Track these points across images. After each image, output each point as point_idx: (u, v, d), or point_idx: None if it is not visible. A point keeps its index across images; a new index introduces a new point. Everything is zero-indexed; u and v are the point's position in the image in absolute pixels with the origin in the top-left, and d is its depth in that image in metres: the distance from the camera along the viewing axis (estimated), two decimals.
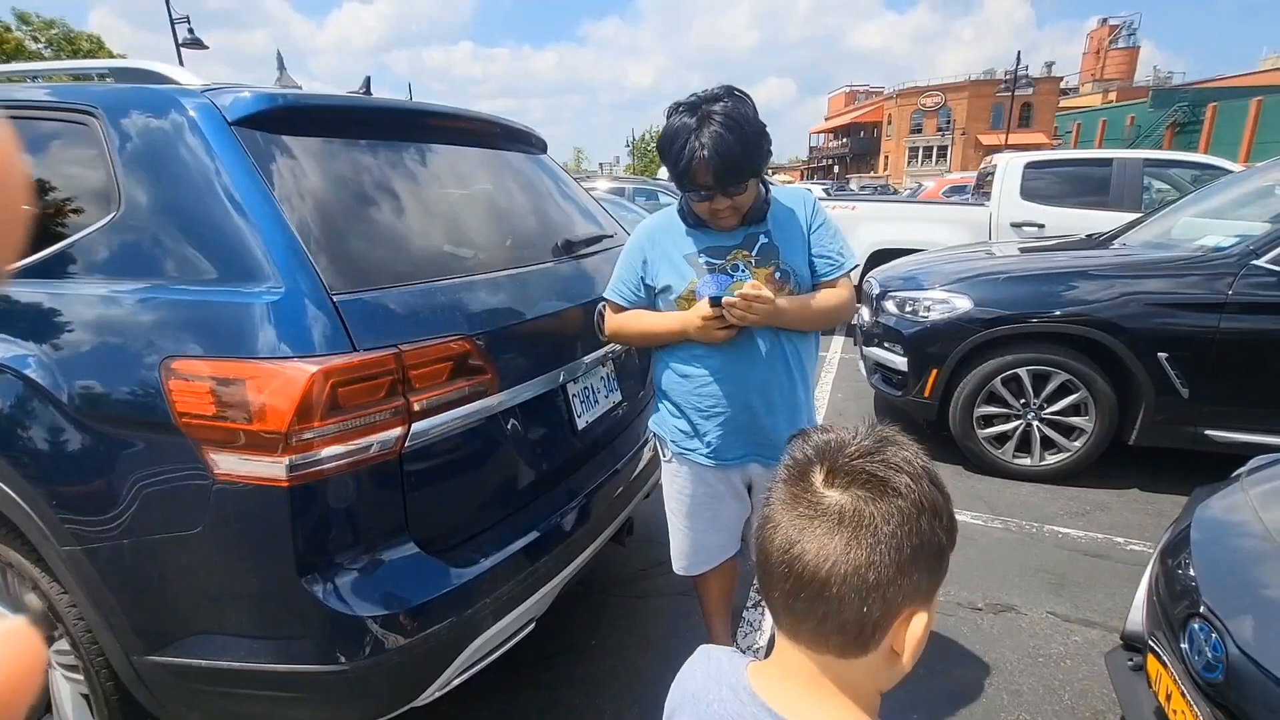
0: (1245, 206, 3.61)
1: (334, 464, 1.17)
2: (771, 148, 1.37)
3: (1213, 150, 23.20)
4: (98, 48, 20.84)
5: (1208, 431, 2.90)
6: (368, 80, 2.02)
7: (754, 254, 1.41)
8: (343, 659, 1.18)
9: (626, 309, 1.55)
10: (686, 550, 1.62)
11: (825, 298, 1.42)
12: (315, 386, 1.13)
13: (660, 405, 1.59)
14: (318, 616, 1.17)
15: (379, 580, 1.23)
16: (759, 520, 0.62)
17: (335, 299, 1.21)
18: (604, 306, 1.63)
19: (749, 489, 1.58)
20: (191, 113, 1.30)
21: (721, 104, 1.29)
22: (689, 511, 1.58)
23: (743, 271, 1.40)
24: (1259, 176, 3.86)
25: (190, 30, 13.54)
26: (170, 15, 13.38)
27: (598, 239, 2.09)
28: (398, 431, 1.24)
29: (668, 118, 1.36)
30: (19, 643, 0.13)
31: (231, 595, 1.21)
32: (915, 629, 0.56)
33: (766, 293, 1.30)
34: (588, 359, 1.78)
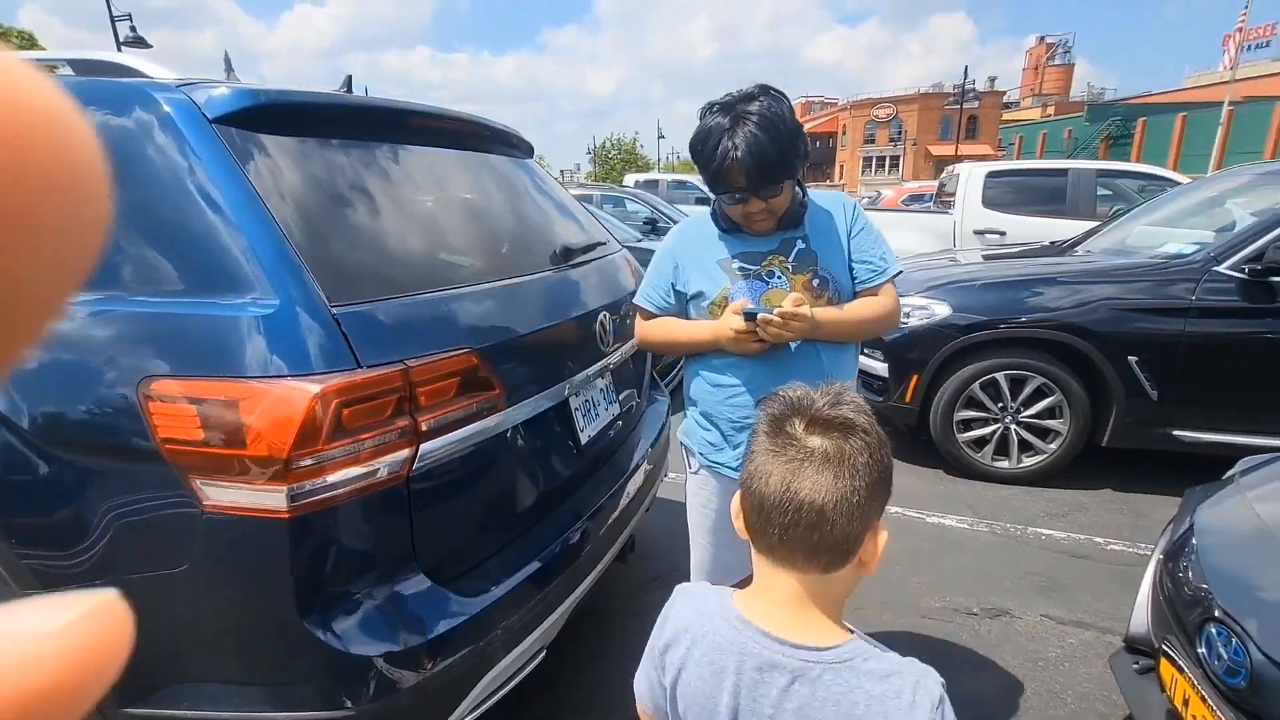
0: (1196, 216, 3.78)
1: (338, 491, 1.07)
2: (808, 148, 1.33)
3: (1144, 161, 24.49)
4: (29, 45, 19.72)
5: (1176, 432, 3.00)
6: (349, 79, 1.91)
7: (790, 260, 1.35)
8: (349, 703, 1.08)
9: (656, 315, 1.49)
10: (707, 567, 1.57)
11: (866, 307, 1.37)
12: (318, 407, 1.03)
13: (689, 414, 1.53)
14: (321, 658, 1.07)
15: (387, 615, 1.13)
16: (747, 473, 0.72)
17: (335, 311, 1.12)
18: (633, 311, 1.56)
19: None
20: (167, 109, 1.19)
21: (757, 103, 1.24)
22: (713, 527, 1.52)
23: (779, 278, 1.35)
24: (1207, 188, 4.06)
25: (132, 28, 12.91)
26: (110, 11, 12.74)
27: (591, 246, 2.03)
28: (405, 453, 1.15)
29: (701, 118, 1.30)
30: (106, 618, 0.13)
31: (222, 638, 1.10)
32: (881, 539, 0.71)
33: (804, 310, 1.25)
34: (589, 371, 1.71)
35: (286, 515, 1.03)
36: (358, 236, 1.30)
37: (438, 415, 1.20)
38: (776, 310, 1.25)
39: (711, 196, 1.38)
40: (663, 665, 0.77)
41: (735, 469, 1.46)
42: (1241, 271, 2.85)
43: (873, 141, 53.87)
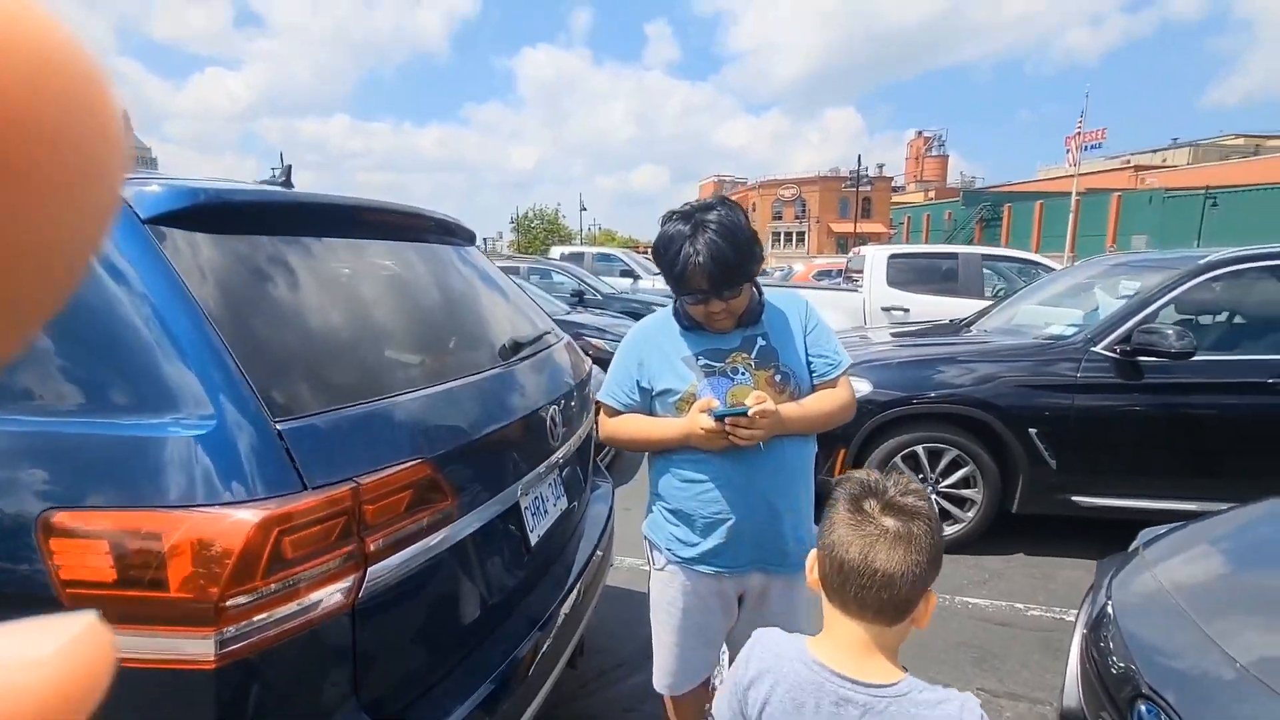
0: (1069, 298, 4.26)
1: (272, 632, 0.96)
2: (763, 254, 1.40)
3: (1012, 242, 27.57)
4: None
5: (1074, 498, 3.25)
6: (288, 169, 1.84)
7: (753, 356, 1.40)
8: None
9: (621, 412, 1.48)
10: (672, 668, 1.50)
11: (826, 400, 1.42)
12: (256, 539, 0.93)
13: (655, 510, 1.50)
14: None
15: None
16: (828, 541, 0.88)
17: (279, 426, 1.03)
18: (597, 406, 1.54)
19: (740, 600, 1.50)
20: None
21: (715, 212, 1.31)
22: (679, 626, 1.47)
23: (743, 374, 1.39)
24: (1074, 274, 4.60)
25: None
26: None
27: (537, 338, 2.01)
28: (351, 580, 1.05)
29: (663, 225, 1.36)
30: (93, 642, 0.13)
31: None
32: (931, 601, 0.89)
33: (772, 406, 1.29)
34: (539, 469, 1.66)
35: (213, 665, 0.91)
36: (304, 341, 1.23)
37: (387, 534, 1.12)
38: (752, 410, 1.27)
39: (642, 276, 1.43)
40: (746, 700, 0.93)
41: (706, 563, 1.44)
42: (1114, 352, 3.19)
43: (780, 218, 57.76)
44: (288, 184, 1.79)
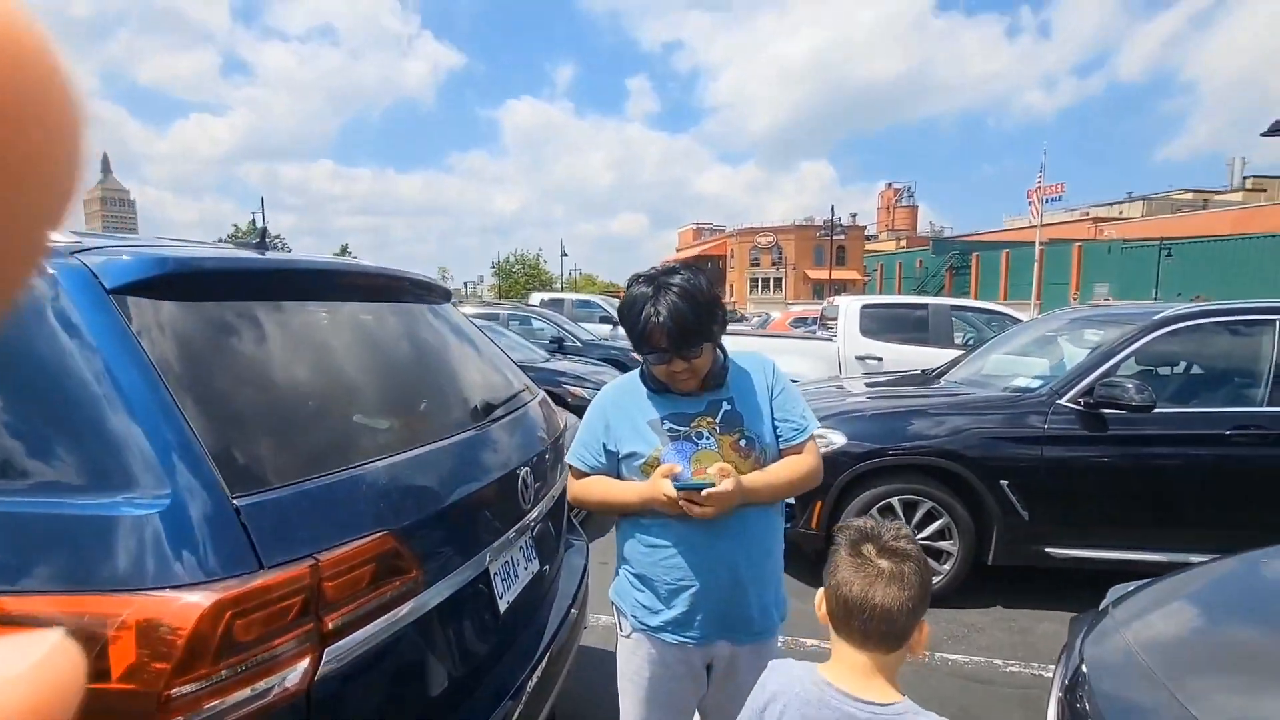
0: (1035, 349, 4.38)
1: None
2: (726, 316, 1.43)
3: (981, 288, 28.41)
4: None
5: (1048, 549, 3.26)
6: (263, 232, 1.85)
7: (718, 421, 1.41)
8: None
9: (588, 474, 1.47)
10: None
11: (793, 467, 1.43)
12: (207, 623, 0.90)
13: (621, 573, 1.48)
14: None
15: None
16: (834, 580, 1.01)
17: (237, 503, 1.01)
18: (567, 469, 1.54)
19: (708, 668, 1.47)
20: (60, 280, 1.09)
21: (678, 276, 1.36)
22: (646, 697, 1.43)
23: (708, 438, 1.39)
24: (1038, 327, 4.74)
25: None
26: None
27: (511, 397, 2.00)
28: (306, 664, 1.01)
29: (628, 288, 1.40)
30: (63, 659, 0.13)
31: None
32: (925, 630, 1.02)
33: (728, 487, 1.28)
34: (509, 534, 1.63)
35: None
36: (269, 411, 1.21)
37: (348, 611, 1.08)
38: (707, 492, 1.27)
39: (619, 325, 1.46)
40: (763, 718, 1.05)
41: (672, 632, 1.41)
42: (1079, 404, 3.27)
43: (758, 264, 58.97)
44: (261, 245, 1.80)
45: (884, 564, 0.99)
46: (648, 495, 1.35)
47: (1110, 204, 48.69)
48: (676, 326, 1.31)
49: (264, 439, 1.15)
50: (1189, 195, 46.87)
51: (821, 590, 1.06)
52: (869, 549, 1.01)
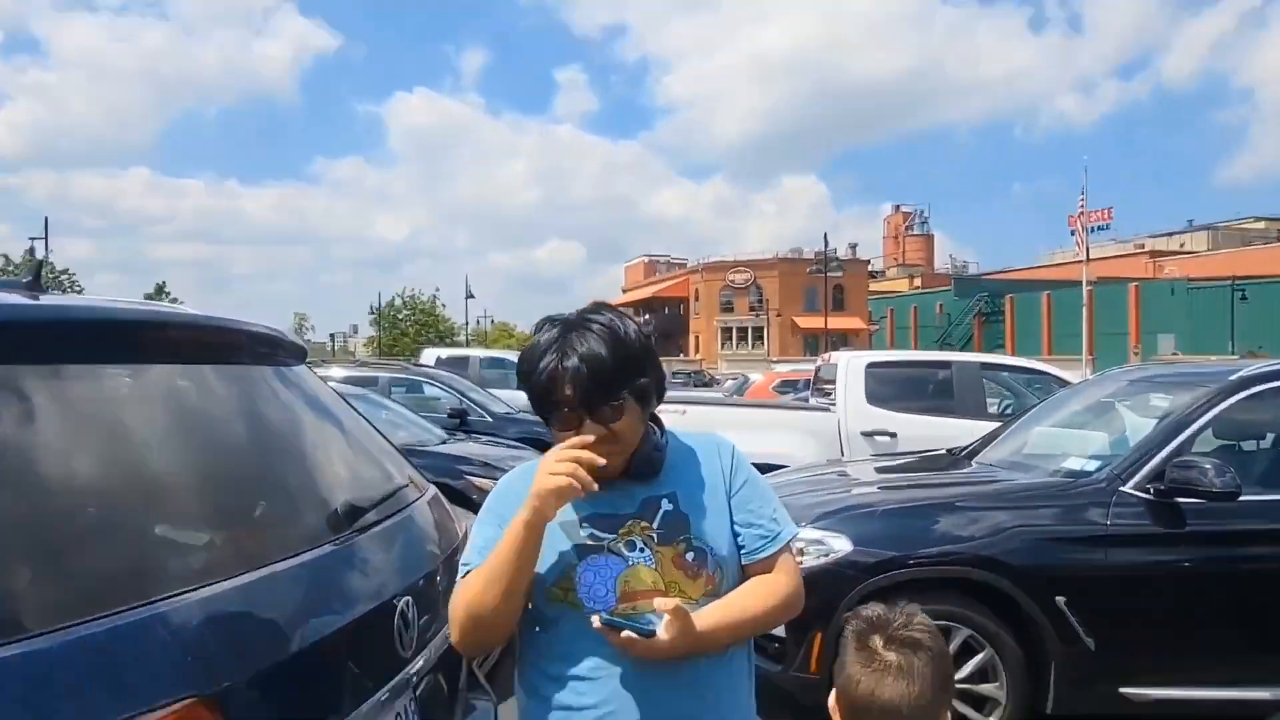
0: (1092, 419, 4.60)
1: None
2: (662, 374, 1.43)
3: (1018, 340, 29.87)
4: None
5: (1124, 690, 3.32)
6: (39, 265, 1.79)
7: (655, 526, 1.35)
8: None
9: None
10: None
11: (762, 594, 1.38)
12: None
13: None
14: None
15: None
16: (843, 678, 1.17)
17: None
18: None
19: None
20: None
21: (604, 315, 1.35)
22: None
23: (642, 551, 1.34)
24: (1095, 389, 5.01)
25: None
26: None
27: (389, 496, 1.96)
28: None
29: (534, 333, 1.39)
30: None
31: None
32: None
33: (672, 634, 1.23)
34: (380, 695, 1.56)
35: None
36: (27, 522, 1.16)
37: None
38: (639, 644, 1.24)
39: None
40: None
41: None
42: (1147, 492, 3.41)
43: (730, 310, 60.54)
44: (35, 285, 1.74)
45: (891, 657, 1.14)
46: (531, 508, 1.26)
47: (1169, 234, 52.78)
48: (588, 368, 1.26)
49: (19, 570, 1.09)
50: (1261, 225, 51.33)
51: (834, 691, 1.22)
52: (876, 640, 1.16)
